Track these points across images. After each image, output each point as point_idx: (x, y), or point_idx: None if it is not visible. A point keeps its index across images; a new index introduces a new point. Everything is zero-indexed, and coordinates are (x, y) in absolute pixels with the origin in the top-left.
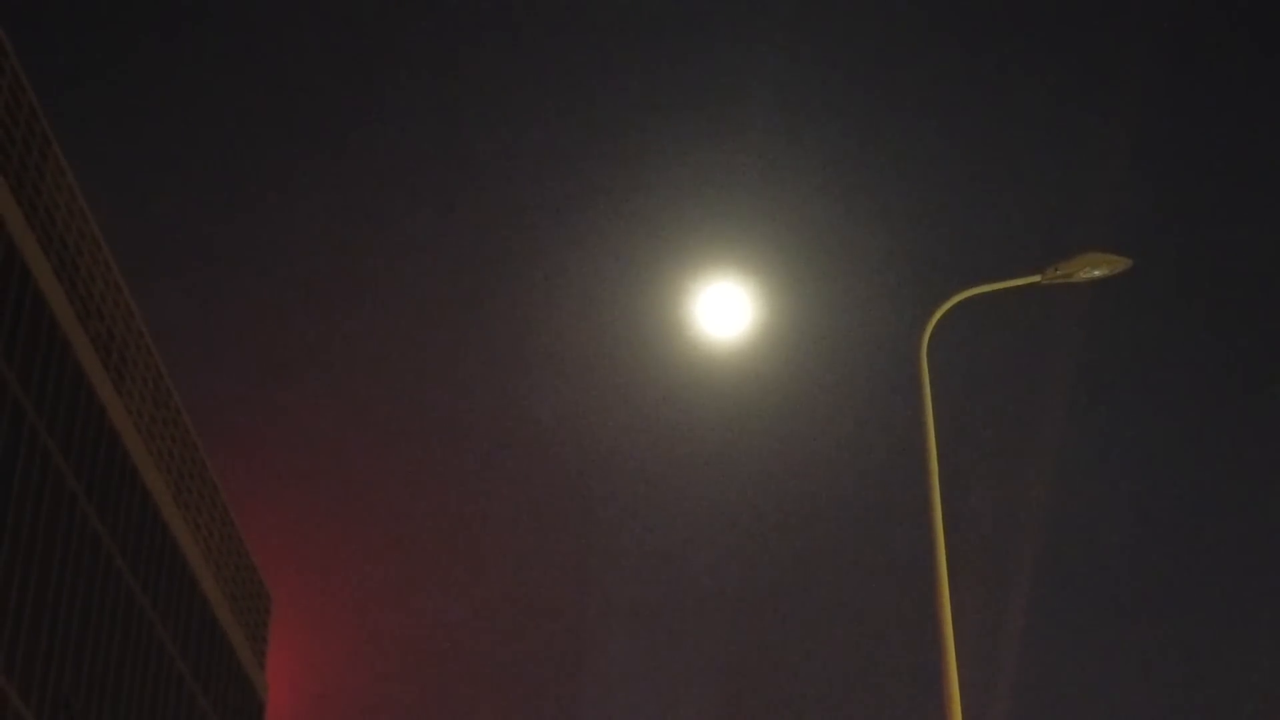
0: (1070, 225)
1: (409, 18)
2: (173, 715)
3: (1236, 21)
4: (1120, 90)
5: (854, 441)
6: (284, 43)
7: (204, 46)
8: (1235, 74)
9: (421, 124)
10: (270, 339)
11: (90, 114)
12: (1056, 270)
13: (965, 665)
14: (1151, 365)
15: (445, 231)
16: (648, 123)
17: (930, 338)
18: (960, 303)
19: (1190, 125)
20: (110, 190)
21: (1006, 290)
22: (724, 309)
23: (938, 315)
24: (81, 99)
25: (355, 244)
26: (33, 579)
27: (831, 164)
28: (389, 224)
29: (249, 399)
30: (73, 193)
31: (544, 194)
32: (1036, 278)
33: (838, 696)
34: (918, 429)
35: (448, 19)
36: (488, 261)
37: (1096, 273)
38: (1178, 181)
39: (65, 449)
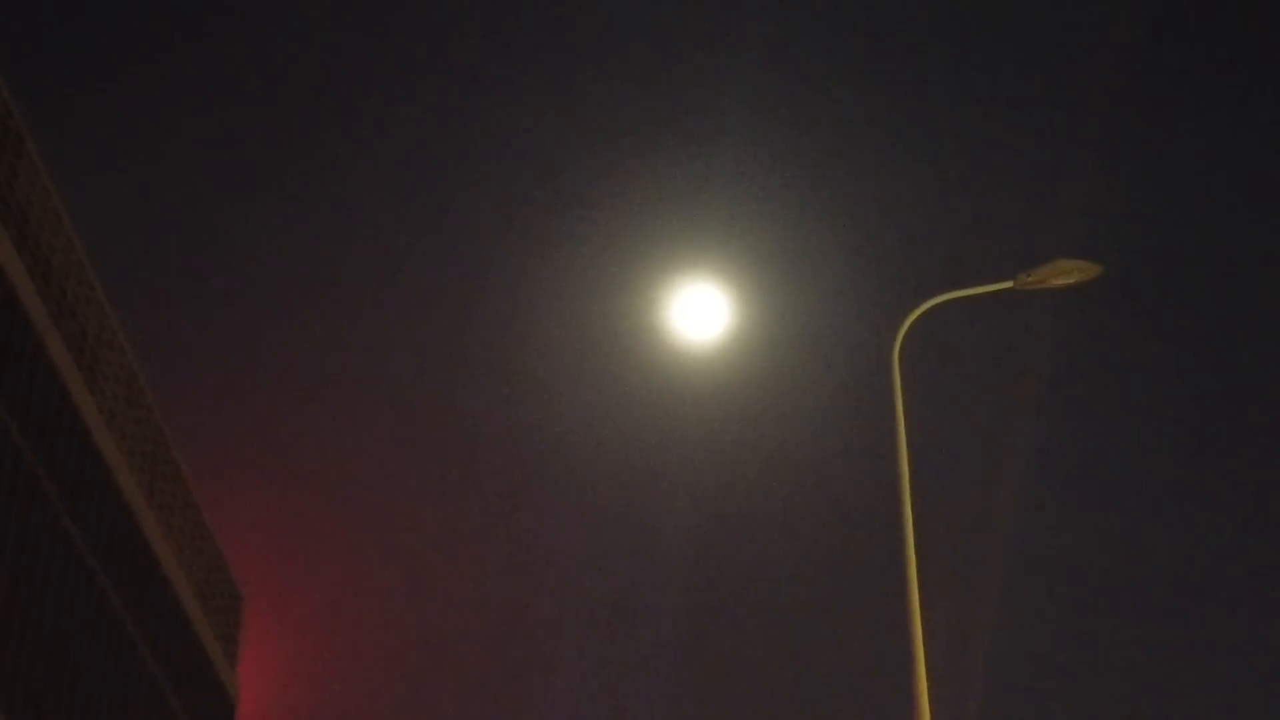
0: (1043, 231)
1: (387, 31)
2: (144, 716)
3: (1205, 28)
4: (1091, 97)
5: (827, 444)
6: (266, 45)
7: (183, 46)
8: (1204, 79)
9: (395, 129)
10: (245, 340)
11: (66, 112)
12: (1029, 277)
13: (935, 669)
14: (1121, 370)
15: (419, 236)
16: (624, 127)
17: (903, 342)
18: (933, 308)
19: (1160, 132)
20: (85, 189)
21: (979, 296)
22: (700, 312)
23: (910, 320)
24: (57, 97)
25: (331, 246)
26: (3, 579)
27: (807, 169)
28: (363, 228)
29: (222, 399)
30: (47, 192)
31: (520, 199)
32: (1009, 284)
33: (806, 700)
34: (891, 433)
35: (423, 34)
36: (462, 263)
37: (1069, 279)
38: (1148, 188)
39: (37, 448)
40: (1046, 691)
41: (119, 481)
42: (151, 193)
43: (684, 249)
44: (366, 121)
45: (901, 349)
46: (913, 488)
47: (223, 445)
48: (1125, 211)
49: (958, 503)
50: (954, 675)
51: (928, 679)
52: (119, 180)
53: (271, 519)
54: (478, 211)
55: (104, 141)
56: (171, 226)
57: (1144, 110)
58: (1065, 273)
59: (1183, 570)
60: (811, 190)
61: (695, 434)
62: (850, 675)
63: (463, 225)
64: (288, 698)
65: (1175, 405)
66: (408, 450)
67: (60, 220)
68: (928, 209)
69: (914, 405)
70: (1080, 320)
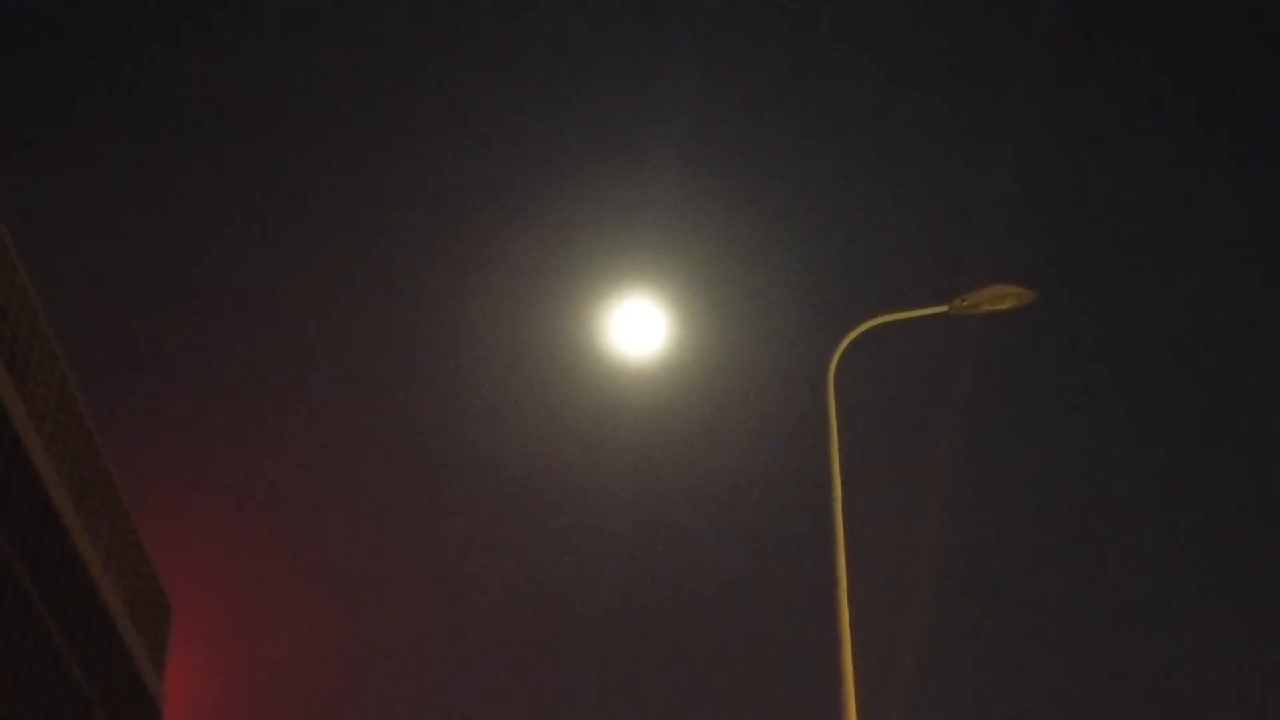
0: (979, 256)
1: (326, 50)
2: None
3: (1136, 53)
4: (1024, 122)
5: (762, 462)
6: (206, 52)
7: (115, 50)
8: (1137, 104)
9: (330, 146)
10: (177, 348)
11: None
12: (964, 301)
13: (863, 684)
14: (1051, 393)
15: (354, 254)
16: (562, 143)
17: (839, 364)
18: (869, 330)
19: (1094, 158)
20: (16, 190)
21: (914, 319)
22: (638, 328)
23: (846, 342)
24: None
25: (266, 261)
26: None
27: (746, 189)
28: (297, 244)
29: (154, 406)
30: None
31: (456, 217)
32: (944, 308)
33: (737, 714)
34: (825, 452)
35: (362, 55)
36: (396, 278)
37: (1003, 304)
38: (1081, 214)
39: None
40: (971, 706)
41: (48, 487)
42: (85, 196)
43: (622, 266)
44: (302, 138)
45: (837, 370)
46: (845, 506)
47: (154, 452)
48: (1057, 237)
49: (889, 521)
50: (882, 690)
51: (856, 694)
52: (52, 181)
53: (201, 528)
54: (413, 228)
55: (37, 143)
56: (107, 231)
57: (1077, 136)
58: (1000, 298)
59: (1108, 589)
60: (750, 209)
61: (630, 449)
62: (781, 690)
63: (398, 241)
64: (214, 708)
65: (1103, 428)
66: (340, 463)
67: None
68: (866, 231)
69: (848, 425)
70: (1011, 344)
